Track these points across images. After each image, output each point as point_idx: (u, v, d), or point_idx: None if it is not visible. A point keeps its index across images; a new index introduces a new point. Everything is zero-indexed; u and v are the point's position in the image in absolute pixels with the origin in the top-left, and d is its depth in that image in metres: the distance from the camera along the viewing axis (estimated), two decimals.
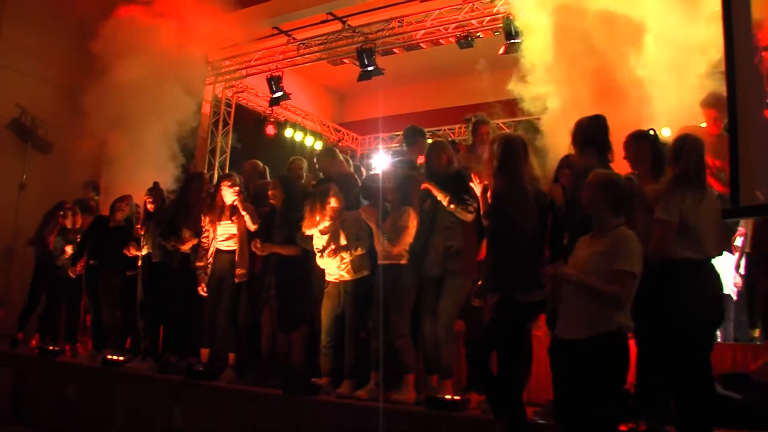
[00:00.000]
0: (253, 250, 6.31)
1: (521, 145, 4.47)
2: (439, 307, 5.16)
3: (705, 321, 3.94)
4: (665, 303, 3.89)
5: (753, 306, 6.31)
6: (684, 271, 3.92)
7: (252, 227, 6.53)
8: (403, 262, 5.40)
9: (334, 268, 5.79)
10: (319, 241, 5.88)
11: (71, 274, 8.09)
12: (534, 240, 4.29)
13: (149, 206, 7.49)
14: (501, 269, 4.28)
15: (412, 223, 5.41)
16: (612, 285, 3.48)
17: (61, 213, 8.68)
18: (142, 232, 7.46)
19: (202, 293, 6.71)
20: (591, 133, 4.47)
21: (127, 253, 7.54)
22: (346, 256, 5.71)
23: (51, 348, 7.94)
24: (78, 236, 8.53)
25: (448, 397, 4.83)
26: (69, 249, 8.51)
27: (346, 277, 5.74)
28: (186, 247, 7.05)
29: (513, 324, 4.23)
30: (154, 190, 7.58)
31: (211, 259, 6.71)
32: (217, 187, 6.90)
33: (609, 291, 3.48)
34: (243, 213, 6.52)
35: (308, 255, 6.10)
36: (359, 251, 5.71)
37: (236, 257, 6.60)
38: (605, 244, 3.61)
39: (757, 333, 6.38)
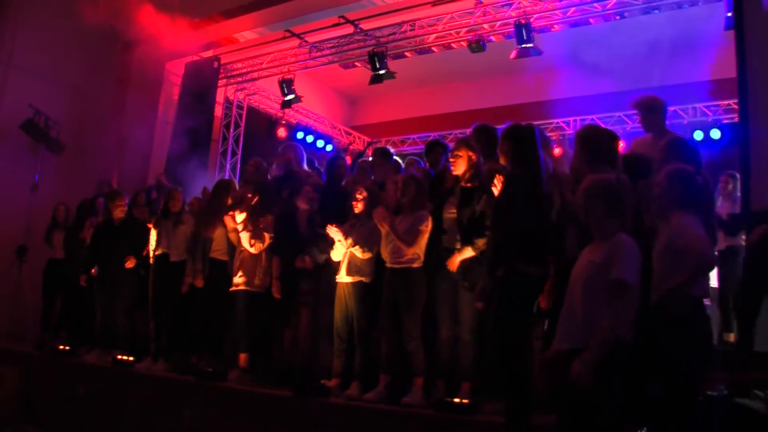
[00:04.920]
0: (299, 266, 6.41)
1: (530, 132, 4.49)
2: (463, 312, 5.15)
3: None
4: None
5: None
6: (700, 311, 3.76)
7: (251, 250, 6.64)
8: (415, 265, 5.42)
9: (348, 267, 5.82)
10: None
11: (83, 283, 8.10)
12: (537, 217, 4.28)
13: (170, 206, 7.55)
14: (504, 242, 4.30)
15: (429, 227, 5.43)
16: (607, 302, 3.41)
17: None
18: (156, 231, 7.51)
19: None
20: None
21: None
22: (357, 252, 5.74)
23: (61, 348, 7.97)
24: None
25: (457, 400, 4.81)
26: None
27: (347, 279, 5.79)
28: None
29: (516, 297, 4.20)
30: (174, 190, 7.69)
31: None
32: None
33: (607, 327, 3.40)
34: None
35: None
36: (367, 254, 5.73)
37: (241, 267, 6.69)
38: (602, 253, 3.56)
39: (732, 337, 6.29)
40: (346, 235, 5.79)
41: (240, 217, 6.60)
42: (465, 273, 5.10)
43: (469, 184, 5.23)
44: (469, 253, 5.06)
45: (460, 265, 5.12)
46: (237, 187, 7.35)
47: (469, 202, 5.15)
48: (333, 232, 5.79)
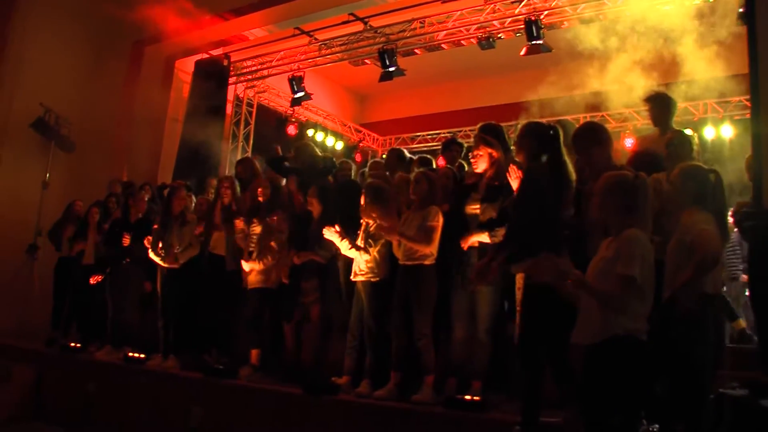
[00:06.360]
0: (296, 262, 6.43)
1: (552, 129, 4.47)
2: (479, 312, 5.08)
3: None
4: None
5: None
6: (711, 307, 3.79)
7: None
8: (427, 262, 5.39)
9: (356, 266, 5.81)
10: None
11: (92, 282, 8.12)
12: (555, 210, 4.23)
13: (175, 206, 7.50)
14: (522, 235, 4.26)
15: (440, 222, 5.40)
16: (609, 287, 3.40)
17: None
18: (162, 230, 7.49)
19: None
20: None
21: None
22: (365, 255, 5.72)
23: (72, 345, 7.99)
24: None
25: (467, 397, 4.80)
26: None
27: (357, 278, 5.78)
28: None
29: (538, 292, 4.08)
30: (181, 189, 7.66)
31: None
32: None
33: (601, 291, 3.39)
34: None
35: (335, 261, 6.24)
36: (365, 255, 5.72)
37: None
38: (614, 249, 3.51)
39: None
40: (341, 237, 5.77)
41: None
42: None
43: (496, 182, 5.14)
44: (484, 237, 5.02)
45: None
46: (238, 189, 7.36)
47: (495, 199, 5.09)
48: (328, 234, 5.83)
